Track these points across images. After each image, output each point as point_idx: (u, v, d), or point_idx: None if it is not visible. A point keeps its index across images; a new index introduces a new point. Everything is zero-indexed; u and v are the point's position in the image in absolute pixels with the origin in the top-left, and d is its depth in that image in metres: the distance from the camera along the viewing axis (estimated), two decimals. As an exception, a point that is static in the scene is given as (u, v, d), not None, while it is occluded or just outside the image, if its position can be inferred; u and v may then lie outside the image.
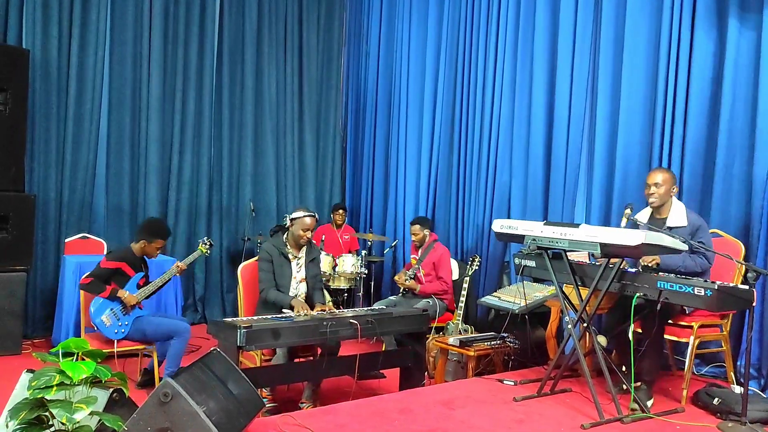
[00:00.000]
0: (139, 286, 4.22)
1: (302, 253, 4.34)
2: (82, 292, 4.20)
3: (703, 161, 4.44)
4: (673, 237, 3.33)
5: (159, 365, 4.19)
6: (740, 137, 4.24)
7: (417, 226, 5.36)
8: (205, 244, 4.65)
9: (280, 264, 4.22)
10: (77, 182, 5.81)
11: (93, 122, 5.89)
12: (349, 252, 6.42)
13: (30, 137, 5.44)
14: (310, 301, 4.24)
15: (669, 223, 3.76)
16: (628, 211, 3.66)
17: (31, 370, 3.00)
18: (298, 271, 4.29)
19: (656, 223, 3.81)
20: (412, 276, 5.23)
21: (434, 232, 5.64)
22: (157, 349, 4.18)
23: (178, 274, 4.38)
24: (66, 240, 5.61)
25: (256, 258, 4.40)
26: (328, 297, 4.76)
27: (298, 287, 4.28)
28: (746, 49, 4.21)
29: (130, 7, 6.08)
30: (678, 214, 3.77)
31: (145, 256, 4.33)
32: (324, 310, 4.08)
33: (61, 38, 5.67)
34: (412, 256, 5.47)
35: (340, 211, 6.70)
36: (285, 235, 4.31)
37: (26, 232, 5.08)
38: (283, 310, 3.99)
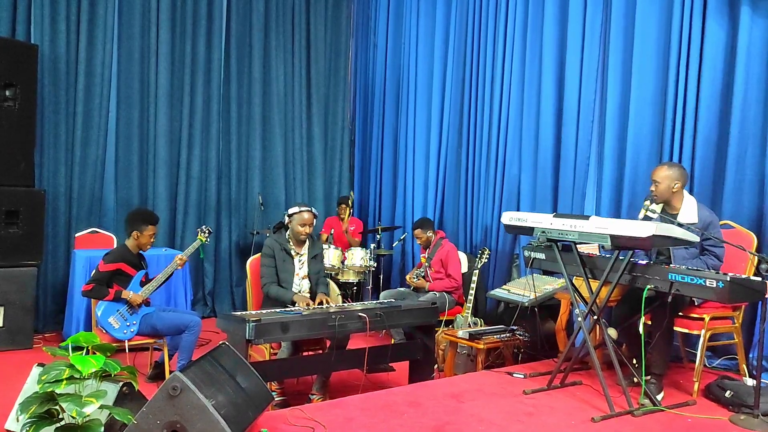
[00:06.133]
0: (142, 284, 4.21)
1: (304, 250, 4.33)
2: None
3: (715, 152, 4.38)
4: (683, 228, 3.29)
5: (169, 358, 4.21)
6: (753, 127, 4.18)
7: (419, 230, 5.33)
8: (204, 232, 4.56)
9: (282, 260, 4.22)
10: (87, 177, 5.83)
11: (102, 117, 5.91)
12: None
13: (39, 132, 5.46)
14: (313, 297, 4.23)
15: (679, 219, 3.71)
16: (647, 203, 3.62)
17: (41, 364, 3.03)
18: (300, 267, 4.29)
19: (667, 218, 3.77)
20: (422, 274, 5.22)
21: (441, 229, 5.60)
22: (167, 343, 4.19)
23: (180, 267, 4.35)
24: (76, 234, 5.64)
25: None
26: (336, 290, 4.76)
27: (301, 284, 4.28)
28: (759, 37, 4.15)
29: (137, 1, 6.08)
30: (689, 210, 3.71)
31: (141, 251, 4.30)
32: (323, 301, 4.09)
33: (69, 33, 5.68)
34: (421, 255, 5.45)
35: (342, 206, 6.71)
36: (287, 232, 4.32)
37: (36, 227, 5.11)
38: (287, 306, 3.99)
